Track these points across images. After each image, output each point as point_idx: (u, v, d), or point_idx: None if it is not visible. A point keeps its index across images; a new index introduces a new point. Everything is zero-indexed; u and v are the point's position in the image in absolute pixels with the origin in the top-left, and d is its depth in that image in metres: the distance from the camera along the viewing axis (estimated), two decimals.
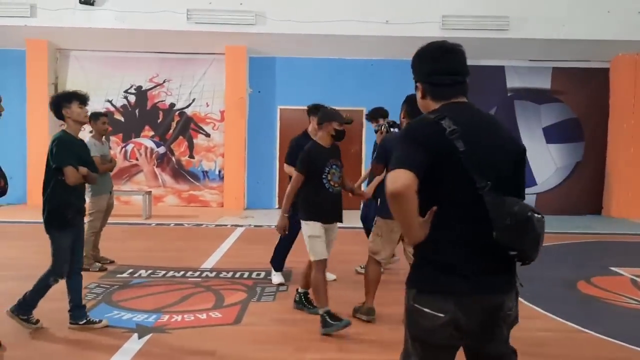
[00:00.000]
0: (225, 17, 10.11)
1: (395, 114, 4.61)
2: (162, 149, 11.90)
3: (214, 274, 6.01)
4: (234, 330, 4.28)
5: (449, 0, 10.07)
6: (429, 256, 1.96)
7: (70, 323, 4.16)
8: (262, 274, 5.90)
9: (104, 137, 6.24)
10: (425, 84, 2.08)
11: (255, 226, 9.43)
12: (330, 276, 5.74)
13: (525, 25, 9.98)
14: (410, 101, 4.45)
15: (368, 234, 5.18)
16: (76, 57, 11.71)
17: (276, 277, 5.63)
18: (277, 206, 11.57)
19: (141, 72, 11.76)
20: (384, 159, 4.35)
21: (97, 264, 5.94)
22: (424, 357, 1.99)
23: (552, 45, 10.46)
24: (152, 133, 11.89)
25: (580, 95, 11.70)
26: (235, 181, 11.54)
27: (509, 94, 11.52)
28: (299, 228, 5.71)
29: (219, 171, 11.86)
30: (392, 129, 4.86)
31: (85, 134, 5.99)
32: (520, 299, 2.11)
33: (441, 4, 10.03)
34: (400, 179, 1.81)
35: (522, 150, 2.05)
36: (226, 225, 9.47)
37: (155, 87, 11.82)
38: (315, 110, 5.67)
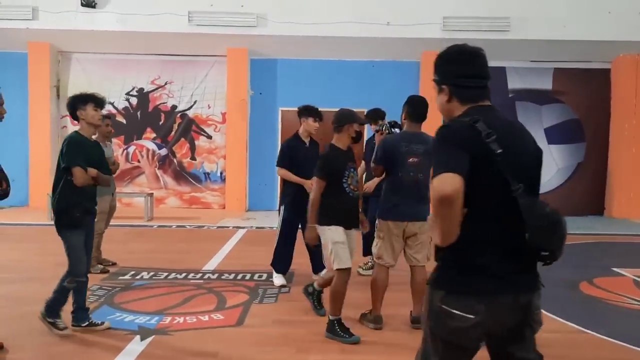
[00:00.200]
0: (226, 19, 10.13)
1: (397, 115, 4.61)
2: (163, 151, 11.92)
3: (216, 275, 6.01)
4: (236, 332, 4.28)
5: (449, 2, 10.09)
6: (458, 257, 1.95)
7: (73, 325, 4.16)
8: (264, 276, 5.91)
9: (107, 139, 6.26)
10: (452, 87, 2.07)
11: (257, 228, 9.43)
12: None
13: (526, 26, 9.98)
14: (411, 102, 4.45)
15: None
16: (78, 59, 11.73)
17: (278, 279, 5.63)
18: (278, 208, 11.56)
19: (143, 74, 11.79)
20: (383, 160, 4.31)
21: (99, 265, 5.95)
22: (445, 358, 2.00)
23: (553, 46, 10.47)
24: (153, 135, 11.91)
25: (582, 96, 11.70)
26: (236, 183, 11.55)
27: (510, 95, 11.53)
28: (297, 227, 5.74)
29: (221, 173, 11.87)
30: (393, 130, 4.85)
31: None
32: None
33: (442, 6, 10.04)
34: (450, 183, 1.81)
35: (541, 153, 2.09)
36: (228, 227, 9.48)
37: (156, 89, 11.84)
38: (306, 112, 5.67)
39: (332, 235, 4.06)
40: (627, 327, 4.56)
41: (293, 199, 5.58)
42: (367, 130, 10.11)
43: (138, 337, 4.05)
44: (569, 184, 11.85)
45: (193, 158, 11.94)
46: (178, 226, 9.49)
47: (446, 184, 1.81)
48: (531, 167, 2.02)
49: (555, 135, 11.70)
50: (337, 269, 4.04)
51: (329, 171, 4.10)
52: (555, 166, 11.75)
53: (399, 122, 4.70)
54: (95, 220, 5.88)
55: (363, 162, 6.00)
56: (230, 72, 11.37)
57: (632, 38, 10.12)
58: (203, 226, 9.54)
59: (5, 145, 10.63)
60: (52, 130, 11.39)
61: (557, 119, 11.70)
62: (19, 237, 7.92)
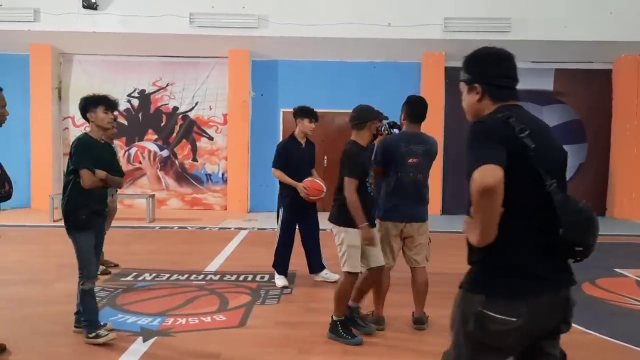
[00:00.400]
0: (228, 20, 10.14)
1: (398, 116, 4.61)
2: (165, 153, 11.92)
3: (218, 277, 6.02)
4: (239, 333, 4.28)
5: (450, 3, 10.08)
6: (495, 258, 1.93)
7: (75, 327, 4.17)
8: (266, 277, 5.91)
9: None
10: (485, 85, 2.08)
11: (259, 229, 9.44)
12: (332, 277, 5.75)
13: (527, 27, 9.98)
14: (410, 103, 4.45)
15: None
16: (79, 61, 11.75)
17: (280, 280, 5.63)
18: (277, 209, 11.55)
19: (144, 76, 11.80)
20: (382, 161, 4.30)
21: (101, 267, 5.94)
22: None
23: (554, 47, 10.46)
24: (155, 136, 11.92)
25: (583, 97, 11.68)
26: (238, 184, 11.56)
27: None
28: (295, 228, 5.74)
29: (222, 174, 11.88)
30: (392, 130, 4.83)
31: None
32: None
33: (443, 7, 10.04)
34: (491, 175, 1.79)
35: (567, 154, 2.13)
36: (230, 228, 9.49)
37: (158, 90, 11.85)
38: (302, 112, 5.67)
39: (350, 239, 3.99)
40: (629, 328, 4.55)
41: (292, 200, 5.60)
42: None
43: (140, 338, 4.06)
44: (571, 185, 11.44)
45: (194, 159, 11.94)
46: (180, 227, 9.50)
47: (487, 175, 1.80)
48: (560, 165, 2.05)
49: (556, 135, 11.63)
50: (347, 272, 4.01)
51: (360, 170, 4.02)
52: None
53: (398, 123, 4.70)
54: None
55: None
56: (232, 73, 11.38)
57: (633, 38, 10.11)
58: (205, 227, 9.54)
59: (7, 147, 10.60)
60: (53, 132, 11.40)
61: (558, 119, 11.69)
62: (21, 238, 7.92)
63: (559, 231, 1.88)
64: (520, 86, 2.12)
